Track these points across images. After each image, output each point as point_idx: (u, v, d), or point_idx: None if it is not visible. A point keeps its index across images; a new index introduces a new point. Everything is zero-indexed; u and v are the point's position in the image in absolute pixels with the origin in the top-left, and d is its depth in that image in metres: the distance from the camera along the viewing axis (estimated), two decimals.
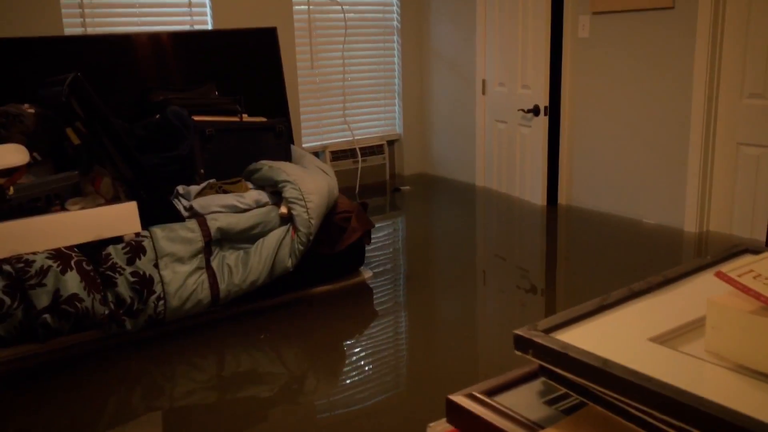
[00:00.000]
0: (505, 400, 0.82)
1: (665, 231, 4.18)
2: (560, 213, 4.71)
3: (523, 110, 4.87)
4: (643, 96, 4.26)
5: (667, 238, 4.05)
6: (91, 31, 4.36)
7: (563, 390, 0.82)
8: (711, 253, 3.73)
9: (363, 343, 2.87)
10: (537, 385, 0.86)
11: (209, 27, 4.80)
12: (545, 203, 4.87)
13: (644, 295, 0.92)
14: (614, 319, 0.85)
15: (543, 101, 4.71)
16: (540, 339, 0.78)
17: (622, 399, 0.70)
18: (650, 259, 3.73)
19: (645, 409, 0.68)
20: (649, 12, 4.12)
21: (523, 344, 0.80)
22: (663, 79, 4.13)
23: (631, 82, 4.31)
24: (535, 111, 4.77)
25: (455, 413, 0.81)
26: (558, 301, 3.30)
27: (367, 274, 3.63)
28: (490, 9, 5.16)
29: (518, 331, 0.81)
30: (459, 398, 0.82)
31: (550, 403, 0.82)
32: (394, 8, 5.80)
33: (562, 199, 4.90)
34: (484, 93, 5.36)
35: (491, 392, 0.84)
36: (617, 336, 0.80)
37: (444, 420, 0.84)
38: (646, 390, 0.67)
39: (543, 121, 4.74)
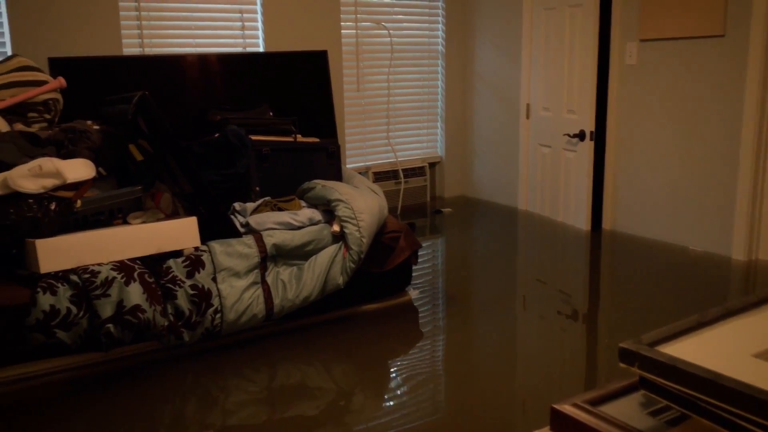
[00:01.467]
0: (609, 410, 0.86)
1: (712, 259, 4.16)
2: (604, 238, 4.71)
3: (568, 135, 4.90)
4: (691, 123, 4.26)
5: (715, 266, 4.03)
6: (148, 51, 4.51)
7: (664, 402, 0.85)
8: (761, 281, 3.70)
9: (408, 363, 2.91)
10: (637, 397, 0.90)
11: (261, 49, 4.93)
12: (589, 228, 4.87)
13: (740, 314, 0.96)
14: (714, 336, 0.88)
15: (589, 126, 4.74)
16: (646, 352, 0.82)
17: (733, 411, 0.74)
18: (697, 287, 3.71)
19: (758, 420, 0.72)
20: (699, 39, 4.14)
21: (629, 357, 0.84)
22: (712, 107, 4.14)
23: (678, 109, 4.32)
24: (581, 136, 4.80)
25: (560, 422, 0.85)
26: (600, 327, 3.30)
27: (413, 293, 3.67)
28: (536, 34, 5.22)
29: (624, 344, 0.85)
30: (564, 407, 0.85)
31: (654, 414, 0.85)
32: (439, 33, 5.89)
33: (606, 224, 4.90)
34: (528, 117, 5.40)
35: (594, 402, 0.88)
36: (721, 351, 0.84)
37: (547, 428, 0.88)
38: (759, 401, 0.71)
39: (589, 145, 4.76)
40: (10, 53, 3.98)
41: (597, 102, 4.76)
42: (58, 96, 3.46)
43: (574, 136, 4.85)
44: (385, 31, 5.55)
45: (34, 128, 3.32)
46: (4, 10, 4.01)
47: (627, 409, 0.86)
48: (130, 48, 4.46)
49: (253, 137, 3.56)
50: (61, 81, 3.44)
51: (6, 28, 4.04)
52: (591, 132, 4.75)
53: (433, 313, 3.45)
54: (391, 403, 2.55)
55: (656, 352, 0.82)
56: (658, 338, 0.87)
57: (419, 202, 5.93)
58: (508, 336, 3.17)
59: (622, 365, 0.85)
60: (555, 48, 5.01)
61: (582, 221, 4.89)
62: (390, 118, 5.74)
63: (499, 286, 3.84)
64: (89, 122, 3.37)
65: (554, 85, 5.06)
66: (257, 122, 3.72)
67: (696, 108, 4.22)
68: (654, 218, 4.58)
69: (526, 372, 2.80)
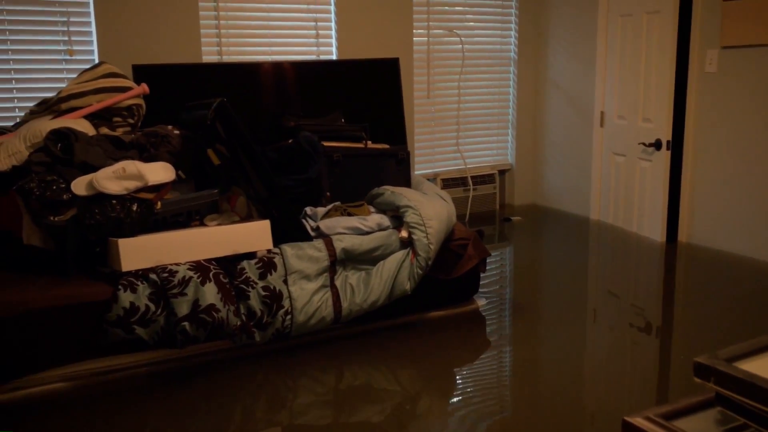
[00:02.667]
0: (683, 425, 0.84)
1: None
2: (680, 250, 4.57)
3: (644, 144, 4.78)
4: None
5: None
6: (226, 59, 4.65)
7: (742, 420, 0.83)
8: None
9: (474, 371, 2.89)
10: (712, 413, 0.88)
11: (334, 57, 5.01)
12: (664, 240, 4.73)
13: None
14: None
15: (666, 135, 4.61)
16: (723, 367, 0.81)
17: None
18: None
19: None
20: None
21: (705, 372, 0.83)
22: None
23: (761, 119, 4.16)
24: (657, 145, 4.68)
25: None
26: (673, 342, 3.20)
27: (480, 302, 3.65)
28: (611, 40, 5.12)
29: (699, 359, 0.83)
30: (637, 420, 0.84)
31: None
32: (512, 39, 5.85)
33: (682, 236, 4.75)
34: (602, 125, 5.30)
35: (667, 417, 0.86)
36: None
37: None
38: None
39: (665, 155, 4.63)
40: (97, 61, 4.18)
41: (674, 111, 4.63)
42: (141, 102, 3.61)
43: (650, 145, 4.73)
44: (457, 38, 5.55)
45: (119, 132, 3.48)
46: (92, 19, 4.22)
47: (702, 425, 0.85)
48: (209, 56, 4.61)
49: (325, 143, 3.62)
50: (144, 87, 3.58)
51: (94, 37, 4.24)
52: (668, 141, 4.62)
53: (501, 323, 3.43)
54: (456, 411, 2.55)
55: (734, 368, 0.80)
56: (736, 354, 0.85)
57: (488, 210, 5.90)
58: (577, 348, 3.12)
59: (697, 380, 0.83)
60: (631, 55, 4.90)
61: (657, 232, 4.76)
62: (460, 124, 5.74)
63: (569, 297, 3.78)
64: (170, 127, 3.50)
65: (630, 93, 4.95)
66: (329, 129, 3.78)
67: None
68: (732, 231, 4.41)
69: (595, 385, 2.75)
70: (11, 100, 4.13)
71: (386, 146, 3.93)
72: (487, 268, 4.08)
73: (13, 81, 4.12)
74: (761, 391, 0.76)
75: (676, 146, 4.69)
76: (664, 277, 4.13)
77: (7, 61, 4.08)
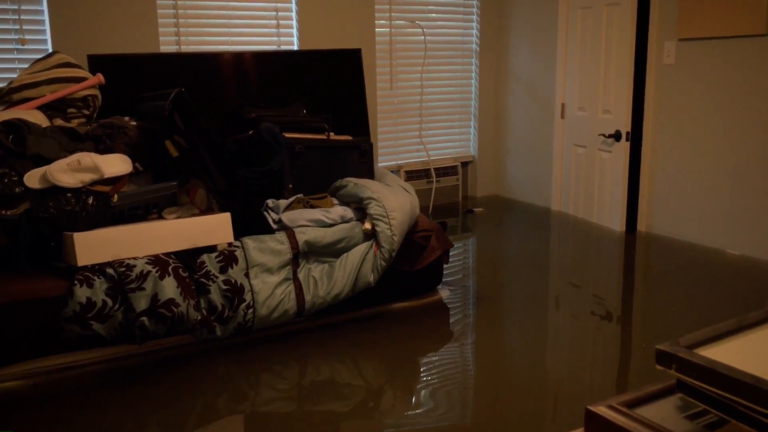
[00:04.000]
0: (645, 413, 0.84)
1: (750, 262, 4.07)
2: (639, 240, 4.64)
3: (603, 135, 4.84)
4: (731, 124, 4.18)
5: (753, 270, 3.94)
6: (185, 49, 4.56)
7: (702, 406, 0.84)
8: None
9: (438, 362, 2.90)
10: (674, 400, 0.88)
11: (295, 47, 4.95)
12: (624, 230, 4.80)
13: None
14: (755, 340, 0.86)
15: (625, 127, 4.67)
16: (685, 354, 0.81)
17: None
18: (734, 290, 3.64)
19: None
20: (739, 39, 4.06)
21: (666, 359, 0.83)
22: (753, 108, 4.05)
23: (718, 110, 4.24)
24: (617, 136, 4.74)
25: (595, 424, 0.84)
26: (633, 330, 3.25)
27: (444, 293, 3.65)
28: (571, 33, 5.16)
29: (661, 347, 0.83)
30: (600, 409, 0.84)
31: (691, 418, 0.84)
32: (474, 31, 5.86)
33: (641, 226, 4.83)
34: (563, 117, 5.35)
35: (629, 405, 0.86)
36: (761, 355, 0.82)
37: (581, 430, 0.87)
38: None
39: (624, 146, 4.69)
40: (51, 50, 4.06)
41: (633, 102, 4.69)
42: (97, 92, 3.52)
43: (610, 136, 4.79)
44: (419, 30, 5.54)
45: (73, 124, 3.38)
46: (45, 7, 4.10)
47: (664, 412, 0.85)
48: (167, 46, 4.52)
49: (287, 135, 3.58)
50: (100, 78, 3.50)
51: (47, 26, 4.12)
52: (627, 132, 4.68)
53: (464, 313, 3.44)
54: (420, 401, 2.55)
55: (695, 355, 0.81)
56: (697, 341, 0.85)
57: (451, 202, 5.92)
58: (539, 337, 3.15)
59: (659, 367, 0.83)
60: (591, 47, 4.95)
61: (617, 222, 4.83)
62: (423, 116, 5.73)
63: (531, 287, 3.81)
64: (127, 118, 3.41)
65: (590, 85, 5.00)
66: (291, 120, 3.74)
67: (736, 109, 4.14)
68: (691, 220, 4.50)
69: (557, 373, 2.78)
70: None
71: (349, 138, 3.90)
72: (450, 259, 4.09)
73: None
74: (721, 377, 0.76)
75: (636, 137, 4.76)
76: (623, 267, 4.19)
77: None
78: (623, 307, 3.53)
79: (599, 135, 4.90)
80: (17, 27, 4.07)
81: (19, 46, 4.09)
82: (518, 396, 2.59)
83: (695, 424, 0.83)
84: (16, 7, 4.04)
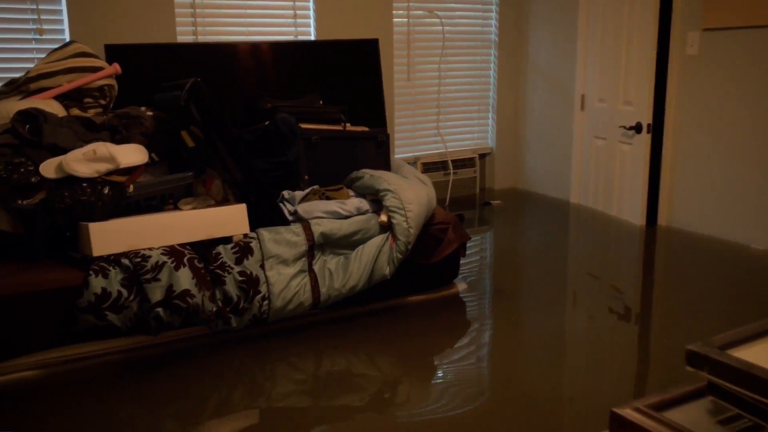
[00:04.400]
0: (674, 416, 0.80)
1: None
2: (660, 234, 4.56)
3: (624, 127, 4.76)
4: (757, 117, 4.08)
5: None
6: (201, 39, 4.54)
7: (735, 410, 0.80)
8: None
9: (454, 356, 2.86)
10: (704, 403, 0.84)
11: (312, 38, 4.92)
12: (644, 223, 4.73)
13: None
14: None
15: (646, 118, 4.59)
16: (718, 356, 0.76)
17: None
18: (759, 287, 3.56)
19: None
20: (766, 29, 3.96)
21: (698, 360, 0.79)
22: None
23: (743, 102, 4.15)
24: (638, 128, 4.66)
25: (621, 427, 0.80)
26: (653, 327, 3.20)
27: (461, 286, 3.61)
28: (592, 23, 5.08)
29: (692, 347, 0.79)
30: (626, 411, 0.80)
31: (723, 423, 0.80)
32: (493, 22, 5.78)
33: (662, 219, 4.75)
34: (582, 108, 5.27)
35: (657, 407, 0.82)
36: None
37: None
38: None
39: (645, 138, 4.61)
40: (68, 40, 4.05)
41: (655, 94, 4.61)
42: (113, 82, 3.51)
43: (631, 128, 4.71)
44: (438, 20, 5.48)
45: (90, 113, 3.38)
46: None
47: (694, 415, 0.81)
48: (184, 36, 4.49)
49: (303, 125, 3.55)
50: (116, 67, 3.48)
51: (65, 15, 4.11)
52: (648, 124, 4.60)
53: (481, 307, 3.40)
54: (435, 395, 2.51)
55: (729, 357, 0.76)
56: (730, 341, 0.81)
57: (468, 194, 5.86)
58: (557, 332, 3.10)
59: (689, 369, 0.79)
60: (612, 37, 4.87)
61: (637, 216, 4.76)
62: (440, 107, 5.68)
63: (549, 280, 3.76)
64: (143, 108, 3.40)
65: (611, 76, 4.92)
66: (307, 110, 3.71)
67: (762, 101, 4.04)
68: (713, 214, 4.42)
69: (577, 370, 2.73)
70: None
71: (365, 129, 3.86)
72: (467, 252, 4.05)
73: None
74: (757, 380, 0.72)
75: (657, 129, 4.68)
76: (644, 261, 4.12)
77: None
78: (643, 304, 3.47)
79: (620, 127, 4.82)
80: (35, 17, 4.06)
81: (37, 36, 4.08)
82: (536, 394, 2.55)
83: (727, 429, 0.79)
84: None
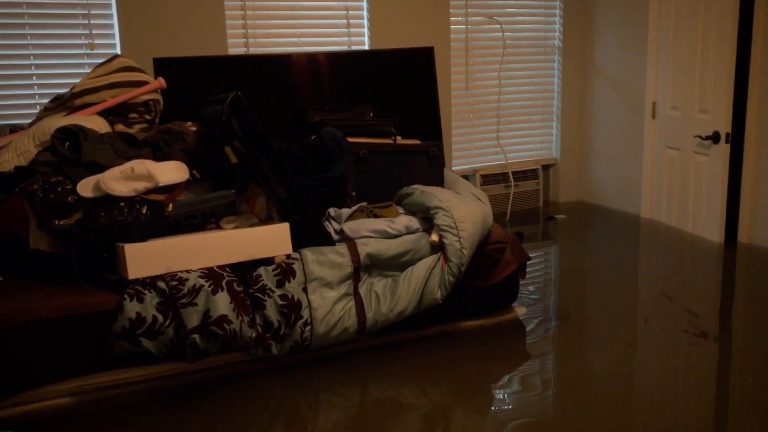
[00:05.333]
0: None
1: None
2: (740, 252, 4.19)
3: (700, 137, 4.41)
4: None
5: None
6: (253, 51, 4.44)
7: None
8: None
9: (512, 387, 2.62)
10: None
11: (366, 47, 4.76)
12: (723, 240, 4.36)
13: None
14: None
15: (724, 127, 4.24)
16: None
17: None
18: None
19: None
20: None
21: None
22: None
23: None
24: (715, 138, 4.30)
25: None
26: (734, 356, 2.88)
27: (520, 310, 3.37)
28: (663, 26, 4.75)
29: None
30: None
31: None
32: (556, 26, 5.51)
33: (742, 236, 4.36)
34: (654, 117, 4.94)
35: None
36: None
37: None
38: None
39: (724, 149, 4.26)
40: (119, 53, 4.02)
41: (735, 100, 4.24)
42: (159, 97, 3.43)
43: (707, 138, 4.36)
44: (498, 26, 5.24)
45: (135, 129, 3.30)
46: (114, 11, 4.06)
47: None
48: (236, 48, 4.41)
49: (351, 139, 3.38)
50: (161, 81, 3.40)
51: (116, 30, 4.08)
52: (727, 134, 4.25)
53: (542, 333, 3.15)
54: (491, 429, 2.29)
55: None
56: None
57: (531, 208, 5.58)
58: (627, 363, 2.82)
59: None
60: (686, 39, 4.53)
61: (714, 233, 4.39)
62: (500, 117, 5.43)
63: (619, 304, 3.46)
64: (189, 123, 3.31)
65: (685, 82, 4.57)
66: (355, 123, 3.54)
67: None
68: None
69: (647, 405, 2.45)
70: (32, 96, 4.01)
71: (417, 142, 3.67)
72: (527, 273, 3.80)
73: (34, 77, 4.00)
74: None
75: (736, 139, 4.31)
76: (722, 282, 3.78)
77: (27, 56, 3.95)
78: (722, 329, 3.15)
79: (695, 137, 4.47)
80: (87, 32, 4.05)
81: (89, 51, 4.07)
82: (601, 429, 2.29)
83: None
84: (86, 11, 4.02)
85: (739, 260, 4.07)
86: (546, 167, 5.75)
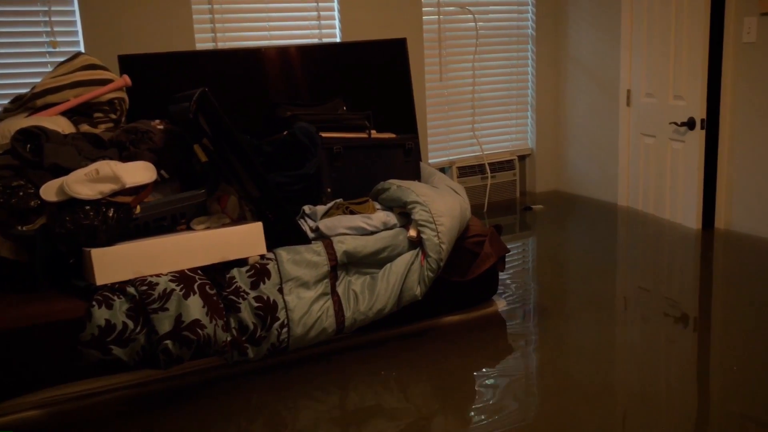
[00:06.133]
0: None
1: None
2: (717, 238, 4.19)
3: (675, 123, 4.40)
4: None
5: None
6: (221, 45, 4.34)
7: None
8: None
9: (495, 381, 2.58)
10: None
11: (338, 40, 4.68)
12: (700, 227, 4.36)
13: None
14: None
15: (699, 113, 4.23)
16: None
17: None
18: None
19: None
20: None
21: None
22: None
23: None
24: (690, 124, 4.29)
25: None
26: (713, 344, 2.86)
27: (500, 303, 3.32)
28: (637, 11, 4.72)
29: None
30: None
31: None
32: (529, 15, 5.47)
33: (719, 222, 4.37)
34: (629, 104, 4.92)
35: None
36: None
37: None
38: None
39: (699, 135, 4.25)
40: (83, 51, 3.89)
41: (709, 86, 4.23)
42: (124, 95, 3.32)
43: (682, 124, 4.35)
44: (470, 15, 5.19)
45: (100, 128, 3.20)
46: (76, 8, 3.93)
47: None
48: (203, 43, 4.31)
49: (324, 134, 3.30)
50: (126, 79, 3.29)
51: (79, 27, 3.96)
52: (702, 120, 4.24)
53: (523, 326, 3.11)
54: (476, 426, 2.24)
55: None
56: None
57: (508, 198, 5.55)
58: (608, 353, 2.79)
59: None
60: (659, 26, 4.51)
61: (691, 219, 4.39)
62: (475, 108, 5.38)
63: (599, 293, 3.44)
64: (156, 122, 3.20)
65: (659, 69, 4.56)
66: (328, 118, 3.46)
67: None
68: None
69: (629, 395, 2.42)
70: None
71: (392, 136, 3.60)
72: (506, 265, 3.75)
73: None
74: None
75: (712, 125, 4.30)
76: (700, 269, 3.77)
77: None
78: (701, 316, 3.13)
79: (670, 123, 4.46)
80: (48, 29, 3.91)
81: (51, 49, 3.93)
82: (585, 421, 2.25)
83: None
84: (46, 8, 3.88)
85: (717, 246, 4.07)
86: (522, 158, 5.72)
